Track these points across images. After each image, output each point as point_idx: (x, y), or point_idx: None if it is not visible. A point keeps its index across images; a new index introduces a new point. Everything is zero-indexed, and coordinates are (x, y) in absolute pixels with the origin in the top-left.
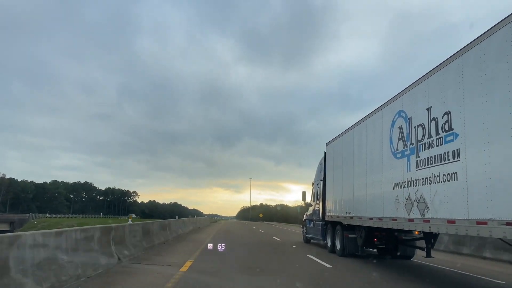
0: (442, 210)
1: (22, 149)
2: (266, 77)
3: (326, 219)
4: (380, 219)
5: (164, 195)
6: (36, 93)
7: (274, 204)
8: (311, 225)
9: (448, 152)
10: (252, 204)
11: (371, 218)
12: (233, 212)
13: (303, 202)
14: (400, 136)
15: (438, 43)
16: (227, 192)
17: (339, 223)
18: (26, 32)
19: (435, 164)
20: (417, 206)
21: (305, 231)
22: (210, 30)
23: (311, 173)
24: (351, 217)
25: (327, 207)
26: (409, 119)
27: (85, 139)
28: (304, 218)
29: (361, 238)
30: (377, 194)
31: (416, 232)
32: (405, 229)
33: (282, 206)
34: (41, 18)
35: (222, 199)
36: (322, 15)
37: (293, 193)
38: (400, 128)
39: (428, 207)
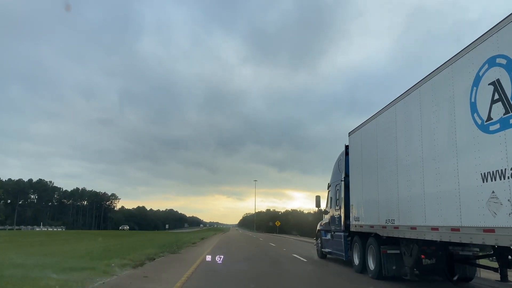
0: None
1: (21, 156)
2: (272, 79)
3: (352, 229)
4: (456, 229)
5: (165, 203)
6: (34, 97)
7: (281, 210)
8: (328, 236)
9: None
10: (253, 212)
11: (435, 228)
12: (235, 220)
13: (316, 208)
14: (497, 97)
15: (453, 42)
16: (229, 200)
17: (372, 234)
18: (24, 33)
19: None
20: None
21: (319, 244)
22: (215, 29)
23: (316, 180)
24: (396, 227)
25: (353, 214)
26: None
27: (86, 146)
28: (318, 228)
29: (411, 256)
30: (448, 191)
31: None
32: None
33: (295, 212)
34: (39, 18)
35: (223, 207)
36: (333, 12)
37: (296, 200)
38: (496, 83)
39: None
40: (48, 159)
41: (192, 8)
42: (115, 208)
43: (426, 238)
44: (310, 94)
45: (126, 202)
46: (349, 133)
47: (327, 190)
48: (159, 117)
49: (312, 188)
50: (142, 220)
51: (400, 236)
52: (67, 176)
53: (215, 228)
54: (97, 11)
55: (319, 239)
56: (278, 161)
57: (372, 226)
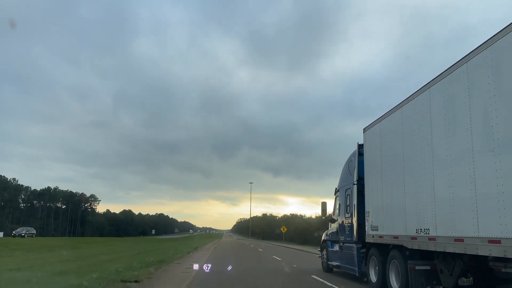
0: None
1: (12, 159)
2: (270, 82)
3: (368, 240)
4: None
5: (159, 208)
6: (26, 98)
7: (278, 215)
8: (336, 248)
9: None
10: (248, 217)
11: (495, 241)
12: (229, 226)
13: (318, 214)
14: None
15: (453, 46)
16: (223, 205)
17: (395, 246)
18: (16, 32)
19: None
20: None
21: (325, 256)
22: (212, 30)
23: (311, 185)
24: (432, 238)
25: (369, 222)
26: None
27: (78, 149)
28: (323, 238)
29: (451, 274)
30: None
31: None
32: None
33: (295, 217)
34: (31, 16)
35: (217, 212)
36: (333, 14)
37: (291, 206)
38: None
39: None
40: (40, 162)
41: (189, 8)
42: (96, 211)
43: (480, 253)
44: (307, 97)
45: (118, 206)
46: (364, 129)
47: (334, 196)
48: (154, 120)
49: (307, 193)
50: (128, 225)
51: (438, 250)
52: (58, 179)
53: (206, 235)
54: (92, 10)
55: (325, 250)
56: (273, 166)
57: (396, 237)
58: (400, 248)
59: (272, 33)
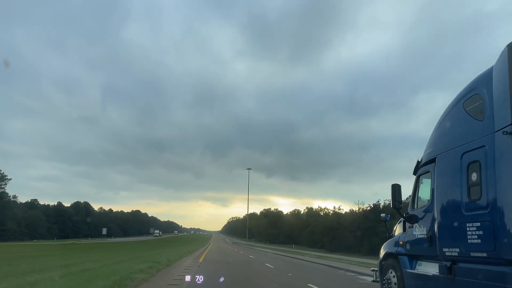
0: None
1: None
2: (268, 76)
3: None
4: None
5: (147, 209)
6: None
7: (285, 211)
8: (429, 270)
9: None
10: (241, 216)
11: None
12: (218, 227)
13: (351, 209)
14: None
15: (467, 37)
16: (213, 206)
17: None
18: None
19: None
20: None
21: (394, 281)
22: (210, 15)
23: (303, 187)
24: None
25: None
26: None
27: (64, 146)
28: (387, 250)
29: None
30: None
31: None
32: None
33: (313, 213)
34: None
35: (207, 213)
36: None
37: (282, 207)
38: None
39: None
40: (23, 160)
41: None
42: (37, 203)
43: None
44: (307, 92)
45: (105, 207)
46: None
47: (416, 176)
48: (144, 116)
49: (298, 195)
50: (81, 222)
51: None
52: (43, 178)
53: (187, 237)
54: None
55: (392, 272)
56: (266, 167)
57: None
58: None
59: (274, 18)
